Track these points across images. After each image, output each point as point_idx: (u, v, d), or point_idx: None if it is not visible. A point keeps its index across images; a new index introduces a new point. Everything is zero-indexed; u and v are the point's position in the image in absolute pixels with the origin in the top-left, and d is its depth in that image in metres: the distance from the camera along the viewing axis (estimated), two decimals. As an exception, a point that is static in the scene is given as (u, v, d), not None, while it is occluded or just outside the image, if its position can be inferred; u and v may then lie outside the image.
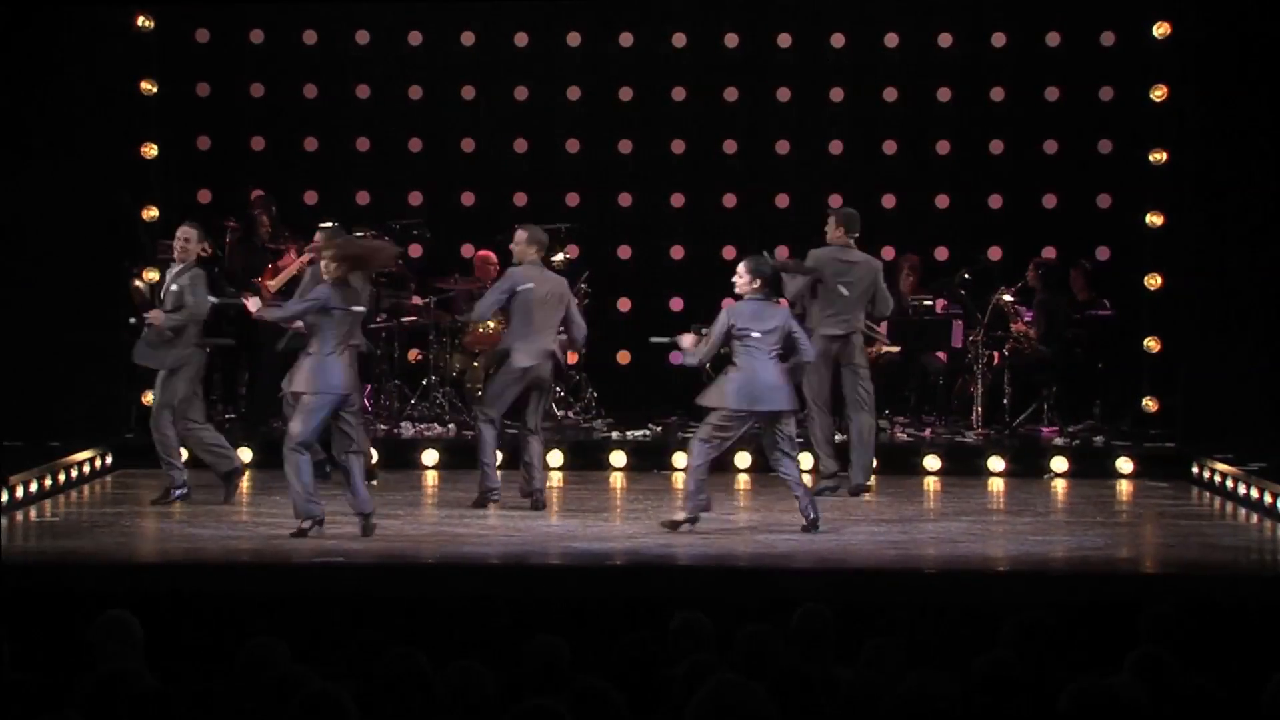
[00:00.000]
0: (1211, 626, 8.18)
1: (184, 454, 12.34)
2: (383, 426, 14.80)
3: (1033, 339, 15.12)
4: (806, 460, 12.73)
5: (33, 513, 12.04)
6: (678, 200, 16.42)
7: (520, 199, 16.29)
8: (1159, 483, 13.74)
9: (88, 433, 13.86)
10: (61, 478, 12.80)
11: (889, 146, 16.27)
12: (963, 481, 13.68)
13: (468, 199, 16.50)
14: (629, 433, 14.82)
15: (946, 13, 16.14)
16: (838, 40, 16.23)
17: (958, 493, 13.20)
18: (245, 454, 14.10)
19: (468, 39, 16.34)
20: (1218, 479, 13.18)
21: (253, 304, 11.97)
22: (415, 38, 16.32)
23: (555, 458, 14.02)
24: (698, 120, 16.36)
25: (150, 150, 14.91)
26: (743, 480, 13.59)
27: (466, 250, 16.08)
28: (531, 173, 16.36)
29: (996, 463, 14.02)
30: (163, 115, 15.14)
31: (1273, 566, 11.24)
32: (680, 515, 11.20)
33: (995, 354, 15.18)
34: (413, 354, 15.67)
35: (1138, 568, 10.88)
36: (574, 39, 16.32)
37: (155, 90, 14.93)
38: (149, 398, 14.69)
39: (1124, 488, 13.73)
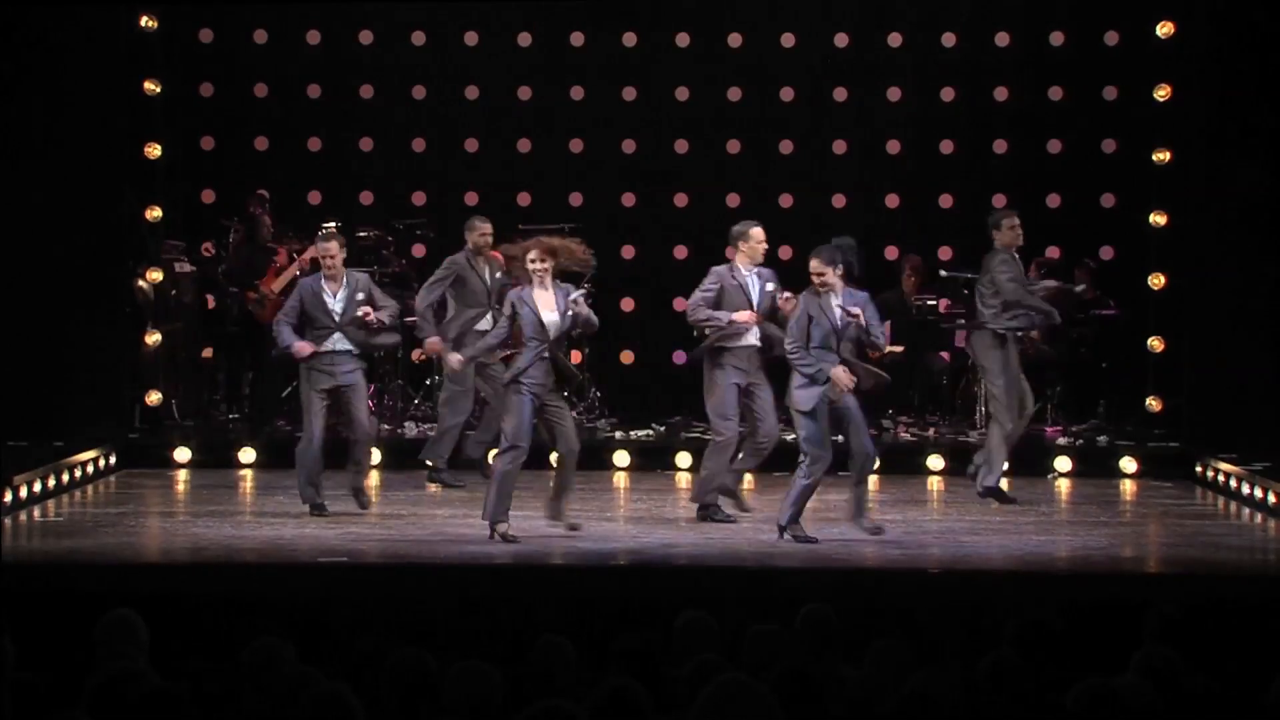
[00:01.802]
0: (1216, 626, 8.18)
1: None
2: (386, 426, 14.81)
3: (1036, 339, 15.10)
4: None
5: (37, 513, 12.05)
6: (681, 200, 16.42)
7: (524, 199, 16.28)
8: (1163, 482, 13.74)
9: (91, 432, 13.86)
10: (65, 478, 12.81)
11: (893, 146, 16.27)
12: (966, 481, 13.62)
13: (471, 199, 16.47)
14: (633, 432, 14.84)
15: (950, 12, 16.13)
16: (841, 40, 16.22)
17: (961, 492, 13.17)
18: (249, 454, 14.15)
19: (471, 39, 16.35)
20: (1222, 479, 13.18)
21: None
22: (419, 38, 16.33)
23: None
24: (701, 120, 16.36)
25: (154, 150, 14.92)
26: (745, 480, 13.56)
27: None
28: (535, 172, 16.36)
29: (1000, 462, 14.01)
30: (167, 115, 15.14)
31: (1277, 566, 11.24)
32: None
33: (998, 354, 15.16)
34: (417, 354, 15.66)
35: (1142, 567, 10.88)
36: (577, 39, 16.33)
37: (159, 90, 14.94)
38: (152, 397, 14.76)
39: (1128, 487, 13.73)
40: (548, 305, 10.74)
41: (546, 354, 10.67)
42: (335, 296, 11.82)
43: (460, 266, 12.93)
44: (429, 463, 13.04)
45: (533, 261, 10.76)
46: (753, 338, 11.56)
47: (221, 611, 9.07)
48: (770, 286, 11.62)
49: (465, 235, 13.14)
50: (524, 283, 10.86)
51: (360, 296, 11.82)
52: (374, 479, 13.44)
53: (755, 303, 11.53)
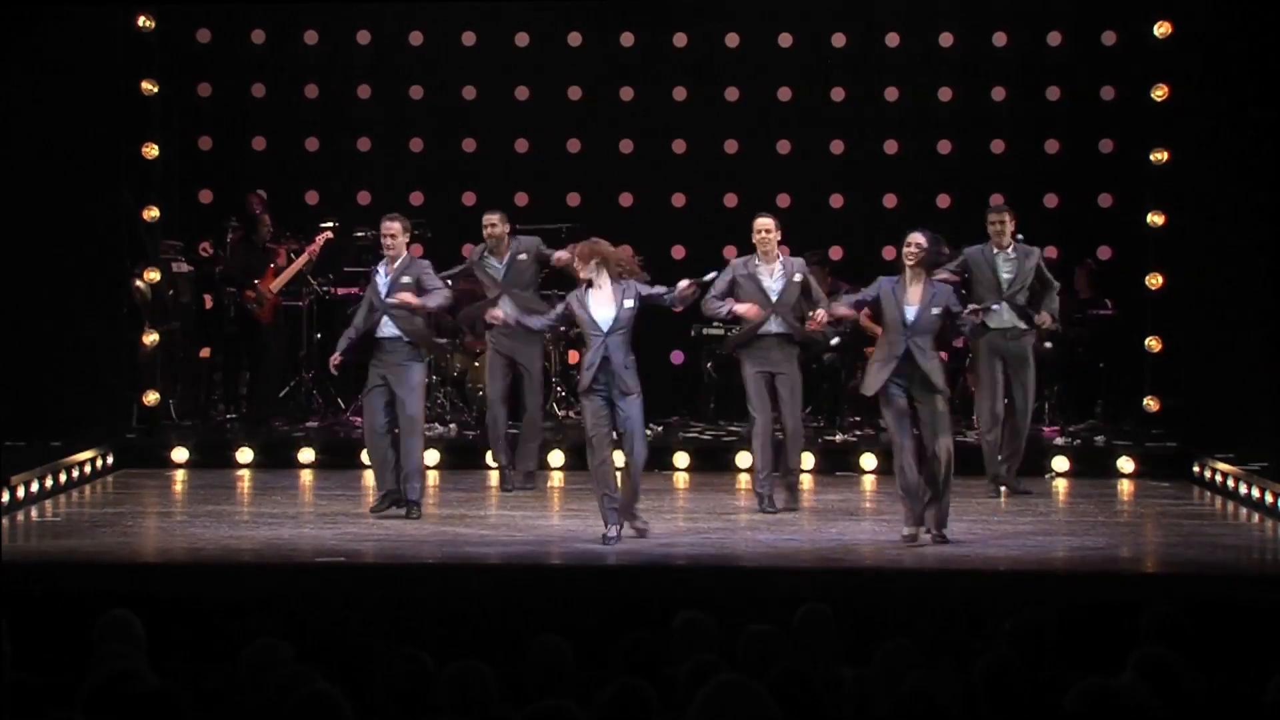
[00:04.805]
0: (1213, 626, 8.18)
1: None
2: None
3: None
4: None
5: (34, 513, 12.05)
6: (678, 200, 16.43)
7: (521, 199, 16.28)
8: (1160, 482, 13.74)
9: (89, 432, 13.86)
10: (63, 478, 12.81)
11: (890, 146, 16.27)
12: (964, 481, 13.58)
13: (469, 199, 16.49)
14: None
15: (947, 12, 16.14)
16: (838, 40, 16.23)
17: (959, 492, 13.06)
18: (246, 454, 14.15)
19: (468, 39, 16.35)
20: (1219, 478, 13.18)
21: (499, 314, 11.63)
22: (416, 38, 16.33)
23: (556, 457, 14.03)
24: (698, 120, 16.36)
25: (151, 150, 14.90)
26: (743, 480, 13.57)
27: (468, 250, 16.05)
28: (532, 172, 16.35)
29: (998, 462, 14.01)
30: (164, 115, 15.14)
31: (1274, 566, 11.24)
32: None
33: (996, 353, 15.15)
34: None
35: (1139, 567, 10.87)
36: (574, 39, 16.33)
37: (156, 90, 14.93)
38: (150, 397, 14.76)
39: (1125, 487, 13.73)
40: (601, 303, 10.78)
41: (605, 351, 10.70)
42: (385, 278, 11.78)
43: (471, 261, 13.19)
44: None
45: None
46: (774, 326, 11.90)
47: (218, 611, 9.07)
48: (798, 278, 11.95)
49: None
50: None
51: (406, 280, 11.73)
52: (369, 479, 13.44)
53: (774, 293, 11.86)
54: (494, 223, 13.15)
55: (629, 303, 10.71)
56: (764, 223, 12.07)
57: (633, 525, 10.86)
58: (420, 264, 11.90)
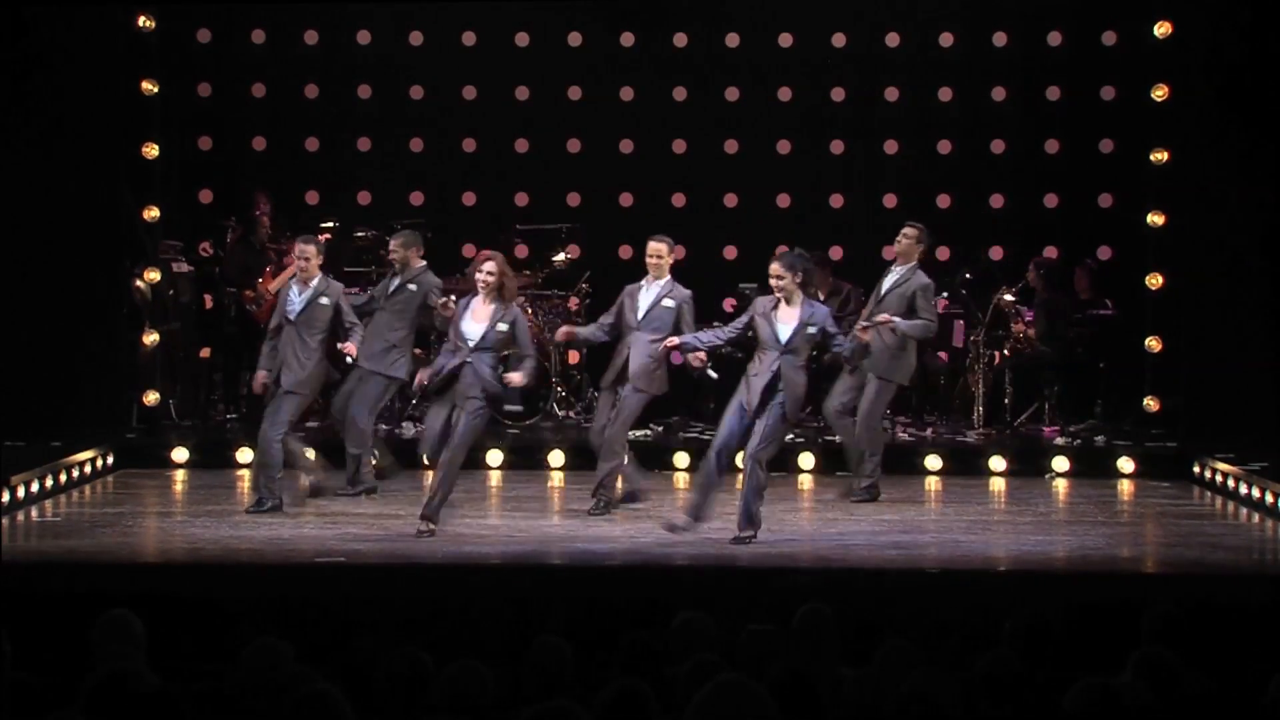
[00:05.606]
0: (1213, 626, 8.18)
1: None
2: (384, 426, 14.79)
3: (1033, 339, 15.12)
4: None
5: (34, 512, 12.05)
6: (678, 200, 16.42)
7: (521, 199, 16.30)
8: (1160, 482, 13.74)
9: (89, 432, 13.86)
10: (63, 478, 12.80)
11: (890, 146, 16.27)
12: (964, 481, 13.68)
13: (469, 199, 16.50)
14: (630, 432, 14.79)
15: (947, 12, 16.13)
16: (839, 40, 16.23)
17: (959, 492, 13.20)
18: (246, 454, 14.14)
19: (469, 39, 16.35)
20: (1219, 479, 13.18)
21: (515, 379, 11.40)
22: (416, 38, 16.33)
23: (556, 458, 14.03)
24: (698, 120, 16.36)
25: (151, 150, 14.89)
26: (742, 481, 13.54)
27: (468, 250, 16.06)
28: (532, 173, 16.35)
29: (998, 462, 14.02)
30: (164, 115, 15.13)
31: (1274, 566, 11.25)
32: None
33: (996, 354, 15.18)
34: (413, 353, 15.63)
35: (1139, 567, 10.88)
36: (575, 39, 16.33)
37: (156, 90, 14.92)
38: (150, 397, 14.76)
39: (1125, 487, 13.73)
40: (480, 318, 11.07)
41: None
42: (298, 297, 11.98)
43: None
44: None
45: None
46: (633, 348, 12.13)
47: (217, 611, 9.07)
48: (668, 303, 12.05)
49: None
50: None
51: (324, 302, 11.92)
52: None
53: (638, 313, 12.11)
54: (393, 248, 12.99)
55: (503, 326, 10.98)
56: (651, 246, 12.25)
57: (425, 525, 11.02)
58: (336, 287, 12.03)
